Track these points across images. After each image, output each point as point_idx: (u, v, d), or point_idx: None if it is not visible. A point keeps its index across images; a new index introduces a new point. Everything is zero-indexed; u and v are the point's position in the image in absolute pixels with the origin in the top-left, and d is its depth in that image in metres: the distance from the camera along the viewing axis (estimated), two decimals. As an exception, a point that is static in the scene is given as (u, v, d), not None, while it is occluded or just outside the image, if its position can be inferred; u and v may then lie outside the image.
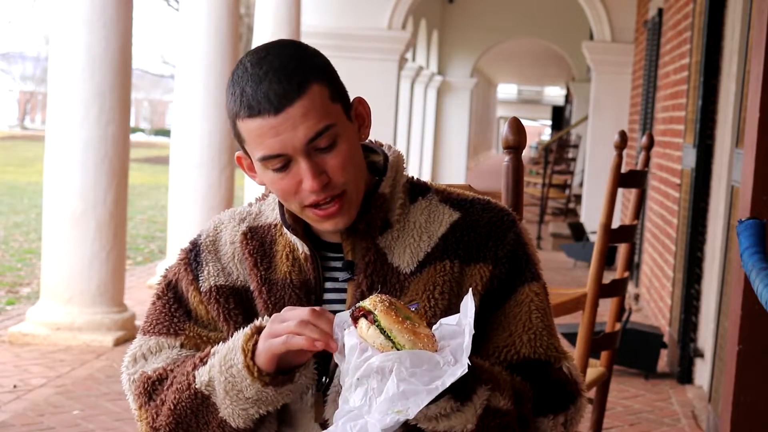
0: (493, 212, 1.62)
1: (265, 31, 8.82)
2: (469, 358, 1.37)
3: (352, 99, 1.57)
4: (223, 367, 1.49)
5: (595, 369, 3.24)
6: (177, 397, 1.54)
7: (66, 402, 4.48)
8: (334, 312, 1.52)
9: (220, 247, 1.64)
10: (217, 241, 1.65)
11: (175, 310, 1.63)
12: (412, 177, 1.67)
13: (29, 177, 18.25)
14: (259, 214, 1.68)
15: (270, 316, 1.53)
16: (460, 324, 1.41)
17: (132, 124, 7.80)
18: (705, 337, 5.03)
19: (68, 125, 5.37)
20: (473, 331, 1.39)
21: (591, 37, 11.88)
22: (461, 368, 1.36)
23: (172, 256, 6.89)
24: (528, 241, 1.63)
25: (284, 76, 1.48)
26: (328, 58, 1.56)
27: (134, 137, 37.08)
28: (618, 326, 3.28)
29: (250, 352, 1.47)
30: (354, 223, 1.57)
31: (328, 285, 1.60)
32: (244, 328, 1.53)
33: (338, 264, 1.60)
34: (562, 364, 1.58)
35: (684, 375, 5.22)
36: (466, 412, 1.43)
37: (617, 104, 10.70)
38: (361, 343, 1.37)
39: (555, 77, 31.15)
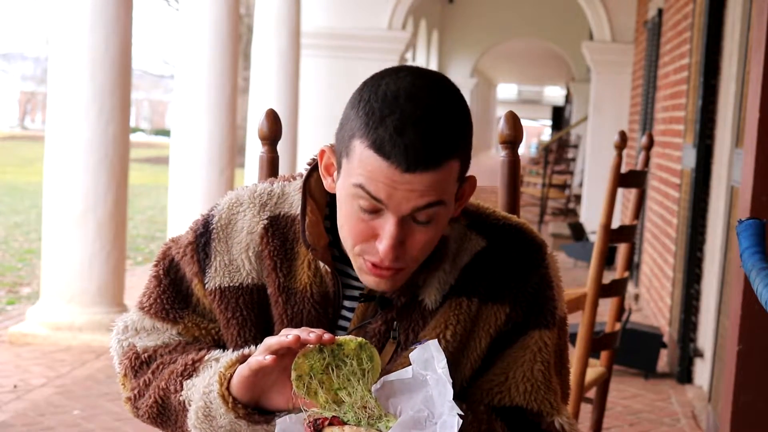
0: (522, 245, 1.51)
1: (266, 31, 8.83)
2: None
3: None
4: (204, 390, 1.43)
5: (595, 369, 3.25)
6: (165, 394, 1.49)
7: (66, 402, 4.48)
8: (344, 329, 1.48)
9: (233, 234, 1.52)
10: (231, 226, 1.52)
11: (174, 299, 1.55)
12: None
13: (29, 177, 18.23)
14: (283, 196, 1.54)
15: (286, 327, 1.48)
16: (418, 376, 1.35)
17: (132, 124, 7.79)
18: (705, 337, 5.03)
19: (68, 125, 5.36)
20: (451, 380, 1.32)
21: (591, 37, 11.88)
22: (454, 419, 1.30)
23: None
24: (553, 279, 1.53)
25: (433, 136, 1.33)
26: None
27: (134, 137, 37.06)
28: (618, 326, 3.28)
29: (226, 381, 1.41)
30: None
31: (347, 303, 1.51)
32: (253, 330, 1.49)
33: (359, 283, 1.50)
34: (554, 419, 1.48)
35: (684, 375, 5.22)
36: None
37: (617, 104, 10.70)
38: None
39: (555, 77, 31.16)
